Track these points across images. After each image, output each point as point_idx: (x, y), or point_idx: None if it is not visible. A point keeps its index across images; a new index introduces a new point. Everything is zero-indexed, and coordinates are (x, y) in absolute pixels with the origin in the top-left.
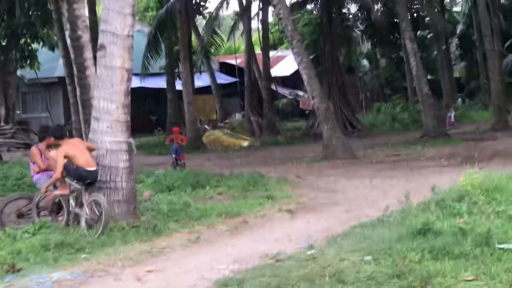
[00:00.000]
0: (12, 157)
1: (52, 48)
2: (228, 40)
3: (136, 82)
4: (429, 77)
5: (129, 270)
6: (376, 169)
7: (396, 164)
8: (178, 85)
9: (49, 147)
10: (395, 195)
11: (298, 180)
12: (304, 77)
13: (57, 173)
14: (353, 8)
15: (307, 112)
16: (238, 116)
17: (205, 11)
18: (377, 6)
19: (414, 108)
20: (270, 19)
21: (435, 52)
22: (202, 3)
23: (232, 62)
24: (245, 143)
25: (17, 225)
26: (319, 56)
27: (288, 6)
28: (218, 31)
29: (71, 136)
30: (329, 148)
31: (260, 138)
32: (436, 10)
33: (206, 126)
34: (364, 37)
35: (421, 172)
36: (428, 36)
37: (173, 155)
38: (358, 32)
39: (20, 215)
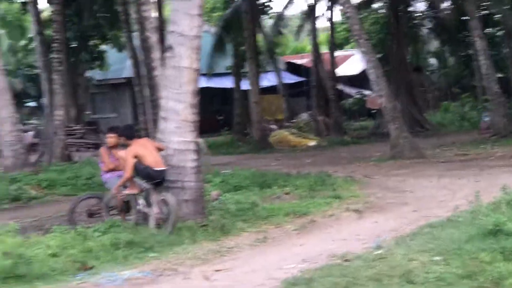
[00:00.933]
0: (82, 157)
1: (120, 49)
2: (294, 39)
3: (202, 82)
4: (499, 75)
5: (197, 269)
6: (444, 168)
7: (465, 163)
8: (245, 85)
9: (115, 147)
10: (464, 195)
11: (366, 179)
12: (371, 76)
13: (127, 173)
14: (421, 6)
15: (374, 111)
16: (304, 115)
17: (271, 11)
18: (445, 4)
19: (483, 107)
20: (337, 18)
21: (506, 50)
22: (268, 3)
23: (299, 61)
24: (312, 143)
25: (87, 224)
26: (386, 55)
27: (355, 5)
28: (284, 31)
29: (139, 136)
30: (396, 147)
31: (326, 137)
32: (506, 7)
33: (273, 126)
34: (432, 35)
35: (490, 171)
36: (498, 33)
37: None
38: (425, 30)
39: (90, 214)
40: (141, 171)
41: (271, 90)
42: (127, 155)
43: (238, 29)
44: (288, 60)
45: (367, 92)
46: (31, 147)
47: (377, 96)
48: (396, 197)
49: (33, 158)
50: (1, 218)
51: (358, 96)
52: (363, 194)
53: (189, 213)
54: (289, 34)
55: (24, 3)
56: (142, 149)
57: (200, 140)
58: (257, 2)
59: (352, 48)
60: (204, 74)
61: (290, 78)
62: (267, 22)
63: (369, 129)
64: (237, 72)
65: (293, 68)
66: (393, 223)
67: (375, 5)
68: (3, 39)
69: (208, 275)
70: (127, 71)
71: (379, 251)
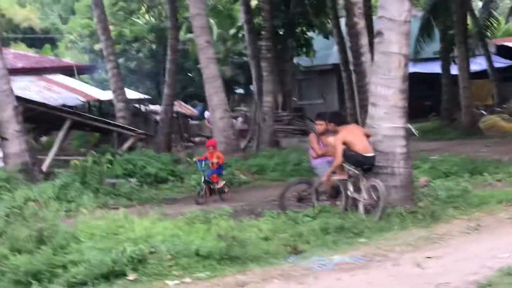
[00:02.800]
0: (289, 143)
1: (326, 36)
2: (506, 21)
3: (409, 67)
4: None
5: (407, 255)
6: None
7: None
8: (453, 70)
9: (323, 133)
10: None
11: None
12: None
13: (337, 160)
14: None
15: None
16: None
17: None
18: None
19: None
20: None
21: None
22: None
23: (511, 44)
24: None
25: (297, 209)
26: None
27: None
28: (495, 13)
29: (347, 123)
30: None
31: None
32: None
33: (483, 112)
34: None
35: None
36: None
37: (203, 178)
38: None
39: (300, 199)
40: (350, 157)
41: (480, 74)
42: (336, 142)
43: (447, 12)
44: (500, 43)
45: None
46: (240, 133)
47: None
48: None
49: (242, 144)
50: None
51: None
52: None
53: (398, 199)
54: (500, 16)
55: None
56: (351, 136)
57: (409, 125)
58: None
59: None
60: (410, 59)
61: (501, 62)
62: (477, 3)
63: None
64: (445, 57)
65: (504, 51)
66: None
67: None
68: (213, 28)
69: (419, 261)
70: (334, 57)
71: None
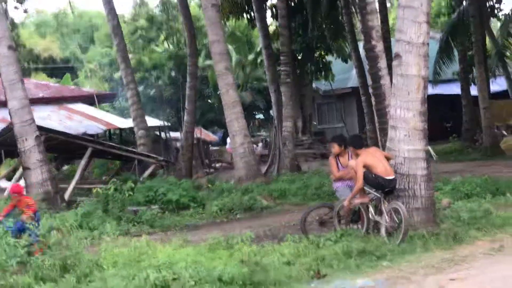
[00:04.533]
0: (310, 167)
1: (345, 60)
2: None
3: (429, 89)
4: None
5: (431, 278)
6: None
7: None
8: (473, 91)
9: (338, 155)
10: None
11: None
12: None
13: (359, 184)
14: None
15: None
16: None
17: (500, 13)
18: None
19: None
20: None
21: None
22: (496, 5)
23: None
24: None
25: (319, 233)
26: None
27: None
28: None
29: (367, 145)
30: None
31: None
32: None
33: (504, 132)
34: None
35: None
36: None
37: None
38: None
39: (321, 223)
40: (371, 180)
41: (501, 95)
42: (357, 165)
43: (465, 33)
44: None
45: None
46: (261, 158)
47: None
48: None
49: (262, 169)
50: (236, 227)
51: None
52: None
53: (420, 221)
54: None
55: (251, 19)
56: (371, 158)
57: (429, 147)
58: (485, 5)
59: None
60: (430, 81)
61: None
62: (496, 24)
63: None
64: (464, 78)
65: None
66: None
67: None
68: (232, 54)
69: (443, 284)
70: (353, 81)
71: None
